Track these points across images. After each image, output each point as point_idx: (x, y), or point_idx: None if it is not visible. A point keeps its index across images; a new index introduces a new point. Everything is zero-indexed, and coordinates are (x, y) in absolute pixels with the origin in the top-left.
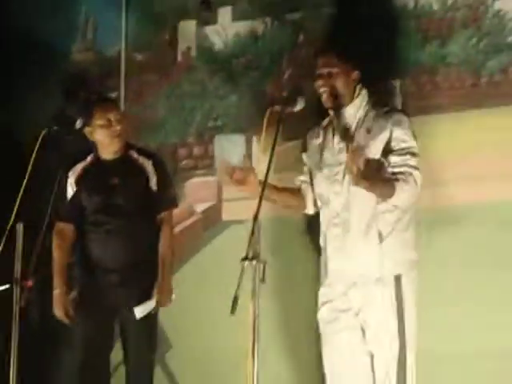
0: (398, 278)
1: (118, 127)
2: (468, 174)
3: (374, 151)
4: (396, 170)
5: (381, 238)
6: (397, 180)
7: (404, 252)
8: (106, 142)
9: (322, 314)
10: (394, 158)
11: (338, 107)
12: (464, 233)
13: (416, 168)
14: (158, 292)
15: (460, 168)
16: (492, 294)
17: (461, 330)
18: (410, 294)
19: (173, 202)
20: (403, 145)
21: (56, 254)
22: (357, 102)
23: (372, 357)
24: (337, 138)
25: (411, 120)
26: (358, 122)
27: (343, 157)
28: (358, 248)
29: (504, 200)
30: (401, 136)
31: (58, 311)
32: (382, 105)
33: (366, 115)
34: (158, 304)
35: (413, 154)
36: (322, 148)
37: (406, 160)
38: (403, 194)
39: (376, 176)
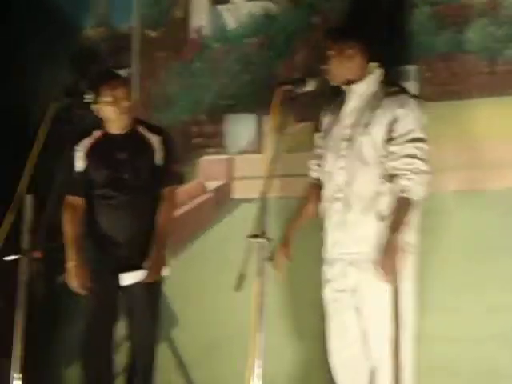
0: None
1: (125, 104)
2: (481, 160)
3: (375, 132)
4: (394, 163)
5: (380, 217)
6: (405, 190)
7: (403, 234)
8: (113, 118)
9: (325, 293)
10: (392, 148)
11: (349, 84)
12: (460, 219)
13: (412, 156)
14: (149, 265)
15: (473, 154)
16: (495, 278)
17: (463, 314)
18: (406, 274)
19: (175, 179)
20: (403, 131)
21: (67, 227)
22: (369, 79)
23: (367, 336)
24: (345, 114)
25: (427, 105)
26: (367, 99)
27: (349, 132)
28: (356, 224)
29: None
30: (402, 121)
31: (74, 283)
32: (395, 86)
33: (375, 93)
34: (147, 276)
35: (412, 140)
36: (331, 124)
37: (403, 150)
38: (419, 192)
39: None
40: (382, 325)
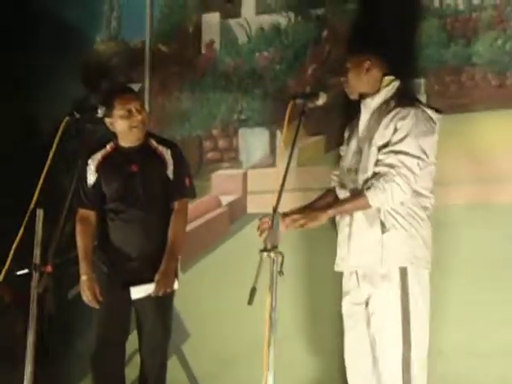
0: (403, 271)
1: (139, 117)
2: (489, 174)
3: (379, 145)
4: (376, 170)
5: (383, 229)
6: (368, 188)
7: (409, 247)
8: (126, 131)
9: (343, 306)
10: (380, 156)
11: (364, 98)
12: (469, 232)
13: (392, 166)
14: (159, 277)
15: (482, 167)
16: (508, 291)
17: (476, 328)
18: (418, 290)
19: (187, 192)
20: (394, 140)
21: (80, 240)
22: (382, 92)
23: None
24: (360, 129)
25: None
26: (378, 113)
27: (363, 146)
28: (362, 237)
29: None
30: (398, 131)
31: (87, 296)
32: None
33: (386, 106)
34: (157, 290)
35: (397, 152)
36: (350, 138)
37: (386, 159)
38: (379, 197)
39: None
40: (391, 340)
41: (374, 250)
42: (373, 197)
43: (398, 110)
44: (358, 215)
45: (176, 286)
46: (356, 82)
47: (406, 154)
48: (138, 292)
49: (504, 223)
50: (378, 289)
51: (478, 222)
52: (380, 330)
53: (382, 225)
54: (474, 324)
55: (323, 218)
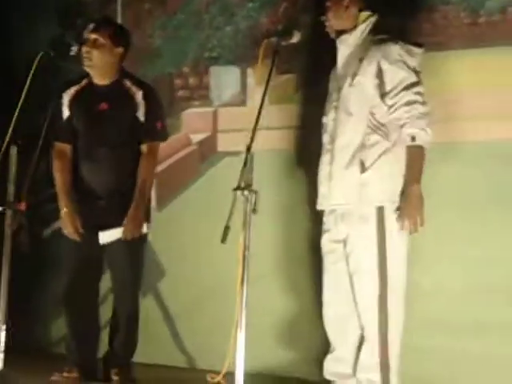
0: (380, 210)
1: (85, 55)
2: (461, 112)
3: (362, 83)
4: (395, 114)
5: (363, 168)
6: (413, 138)
7: (389, 184)
8: (91, 66)
9: (322, 243)
10: (390, 101)
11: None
12: (442, 171)
13: (411, 103)
14: (127, 221)
15: (453, 107)
16: (481, 230)
17: (452, 266)
18: (396, 228)
19: (156, 135)
20: (394, 82)
21: (58, 175)
22: (360, 28)
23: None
24: (339, 66)
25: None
26: (356, 49)
27: (343, 83)
28: (341, 176)
29: (499, 138)
30: (390, 72)
31: (68, 229)
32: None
33: (363, 42)
34: (125, 233)
35: (407, 87)
36: (330, 77)
37: (401, 99)
38: (426, 136)
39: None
40: (368, 279)
41: (354, 189)
42: (424, 141)
43: (377, 46)
44: (338, 154)
45: (145, 229)
46: (336, 19)
47: (412, 84)
48: (106, 236)
49: (476, 161)
50: (354, 230)
51: (450, 160)
52: (357, 269)
53: (362, 164)
54: (452, 263)
55: (420, 196)
